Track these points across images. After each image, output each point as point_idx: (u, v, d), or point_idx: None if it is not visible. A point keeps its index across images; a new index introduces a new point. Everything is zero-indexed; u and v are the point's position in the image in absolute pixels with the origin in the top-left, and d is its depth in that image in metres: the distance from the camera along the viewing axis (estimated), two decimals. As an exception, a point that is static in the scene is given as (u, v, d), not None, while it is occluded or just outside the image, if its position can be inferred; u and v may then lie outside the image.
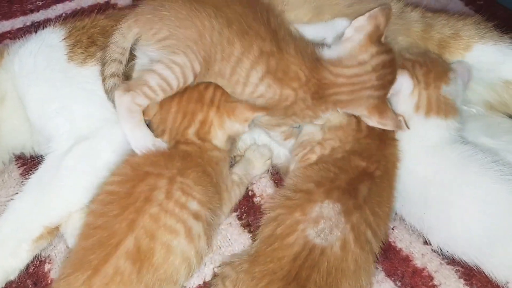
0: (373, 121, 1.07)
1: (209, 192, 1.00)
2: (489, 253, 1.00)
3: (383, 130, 1.08)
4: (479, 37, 1.26)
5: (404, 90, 1.10)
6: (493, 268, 1.01)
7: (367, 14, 1.05)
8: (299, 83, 1.03)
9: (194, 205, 0.96)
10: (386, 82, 1.06)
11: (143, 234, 0.91)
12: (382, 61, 1.04)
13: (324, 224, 0.95)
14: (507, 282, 1.00)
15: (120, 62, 1.09)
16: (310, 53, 1.06)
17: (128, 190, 0.95)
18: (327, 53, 1.07)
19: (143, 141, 1.02)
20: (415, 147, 1.09)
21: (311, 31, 1.15)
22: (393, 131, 1.09)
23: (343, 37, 1.07)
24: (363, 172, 1.03)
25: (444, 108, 1.09)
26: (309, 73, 1.04)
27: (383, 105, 1.06)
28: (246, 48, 1.02)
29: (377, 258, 1.02)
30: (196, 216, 0.96)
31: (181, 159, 1.00)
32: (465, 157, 1.05)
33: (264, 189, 1.21)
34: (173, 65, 1.02)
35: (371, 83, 1.04)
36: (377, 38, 1.05)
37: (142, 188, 0.94)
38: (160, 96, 1.04)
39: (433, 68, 1.12)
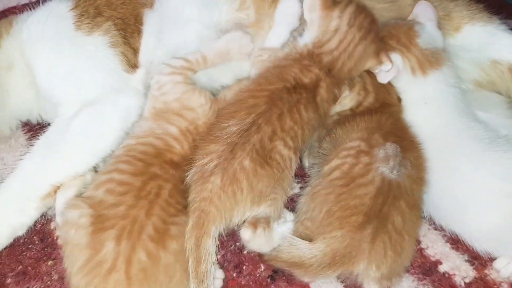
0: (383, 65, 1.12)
1: None
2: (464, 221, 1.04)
3: None
4: (469, 18, 1.32)
5: (398, 65, 1.14)
6: (471, 237, 1.05)
7: None
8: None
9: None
10: (368, 26, 1.11)
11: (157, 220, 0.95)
12: (350, 13, 1.10)
13: (393, 162, 1.00)
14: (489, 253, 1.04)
15: None
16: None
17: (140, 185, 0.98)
18: (306, 40, 1.12)
19: None
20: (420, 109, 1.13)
21: (275, 40, 1.20)
22: None
23: (307, 23, 1.13)
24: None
25: (433, 59, 1.14)
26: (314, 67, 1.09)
27: (381, 46, 1.13)
28: None
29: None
30: None
31: None
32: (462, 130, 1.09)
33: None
34: None
35: (358, 36, 1.10)
36: (331, 2, 1.10)
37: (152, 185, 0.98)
38: None
39: (400, 32, 1.17)
